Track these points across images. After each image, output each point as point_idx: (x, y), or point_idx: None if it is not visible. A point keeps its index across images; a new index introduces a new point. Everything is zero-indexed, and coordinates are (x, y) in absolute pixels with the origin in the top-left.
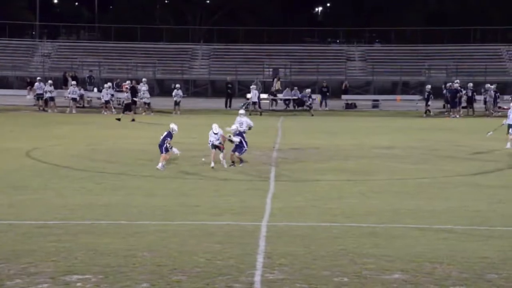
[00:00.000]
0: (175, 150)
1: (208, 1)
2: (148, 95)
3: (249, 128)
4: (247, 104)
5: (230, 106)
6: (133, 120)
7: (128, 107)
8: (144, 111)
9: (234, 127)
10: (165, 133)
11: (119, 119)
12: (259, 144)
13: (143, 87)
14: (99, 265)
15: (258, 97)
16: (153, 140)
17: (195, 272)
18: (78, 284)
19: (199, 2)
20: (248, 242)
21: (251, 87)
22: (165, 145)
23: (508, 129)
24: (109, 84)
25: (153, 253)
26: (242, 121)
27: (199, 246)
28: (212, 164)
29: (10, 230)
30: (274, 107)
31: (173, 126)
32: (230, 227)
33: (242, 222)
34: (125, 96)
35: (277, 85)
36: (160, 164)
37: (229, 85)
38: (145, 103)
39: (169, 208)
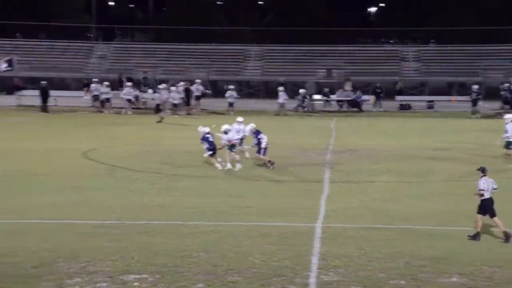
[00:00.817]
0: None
1: (261, 3)
2: (179, 96)
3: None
4: (299, 105)
5: (283, 107)
6: (159, 121)
7: (158, 108)
8: (175, 113)
9: (225, 136)
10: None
11: (160, 122)
12: (312, 145)
13: (177, 89)
14: (156, 264)
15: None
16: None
17: (250, 272)
18: (136, 283)
19: (252, 4)
20: (302, 244)
21: (278, 88)
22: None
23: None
24: (164, 85)
25: (208, 254)
26: (239, 129)
27: (254, 247)
28: (229, 166)
29: (69, 230)
30: (327, 108)
31: (199, 129)
32: (284, 228)
33: (296, 224)
34: (177, 97)
35: (347, 86)
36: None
37: (282, 86)
38: (173, 104)
39: (222, 209)
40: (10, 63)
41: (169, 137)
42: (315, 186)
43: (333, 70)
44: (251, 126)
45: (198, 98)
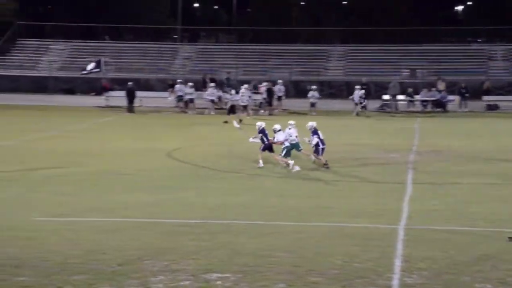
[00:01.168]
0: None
1: (344, 2)
2: (246, 96)
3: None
4: (383, 105)
5: (365, 107)
6: (241, 120)
7: (232, 109)
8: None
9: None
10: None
11: (226, 122)
12: (395, 146)
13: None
14: (237, 264)
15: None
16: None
17: (332, 273)
18: (218, 282)
19: (335, 4)
20: (385, 245)
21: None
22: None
23: None
24: (246, 85)
25: (290, 254)
26: (290, 132)
27: (336, 248)
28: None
29: (154, 228)
30: (411, 108)
31: (258, 124)
32: (367, 229)
33: (379, 225)
34: (260, 97)
35: (441, 85)
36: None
37: (364, 86)
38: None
39: (304, 209)
40: (98, 64)
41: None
42: (398, 187)
43: (417, 70)
44: (310, 124)
45: (280, 98)
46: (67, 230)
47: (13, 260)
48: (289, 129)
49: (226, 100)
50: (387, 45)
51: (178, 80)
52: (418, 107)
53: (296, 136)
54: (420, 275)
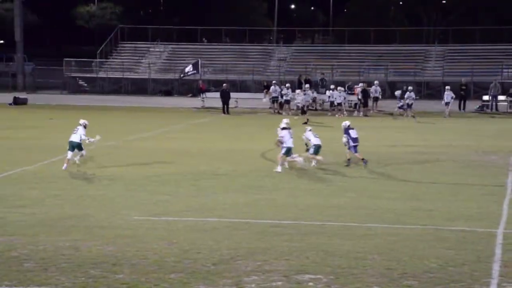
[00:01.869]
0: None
1: (444, 1)
2: (291, 94)
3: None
4: (482, 106)
5: (464, 109)
6: (305, 122)
7: (303, 110)
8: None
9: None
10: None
11: (306, 123)
12: (495, 147)
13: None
14: (330, 265)
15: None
16: (383, 143)
17: (426, 277)
18: (310, 283)
19: (435, 2)
20: (483, 249)
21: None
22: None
23: None
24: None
25: (383, 256)
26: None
27: (431, 251)
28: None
29: (247, 228)
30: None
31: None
32: (463, 233)
33: (476, 228)
34: (355, 98)
35: None
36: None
37: (463, 87)
38: (286, 101)
39: (400, 211)
40: (195, 66)
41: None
42: (497, 190)
43: None
44: (343, 124)
45: (376, 99)
46: (164, 229)
47: (112, 257)
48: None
49: (320, 101)
50: (487, 44)
51: (273, 81)
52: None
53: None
54: None
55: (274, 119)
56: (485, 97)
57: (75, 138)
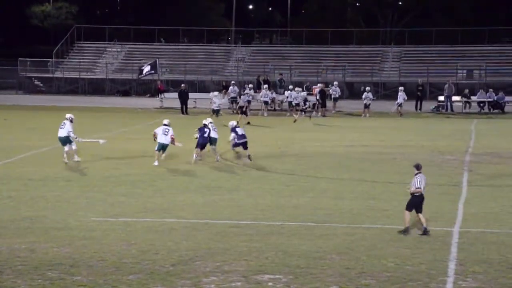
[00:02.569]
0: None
1: (400, 3)
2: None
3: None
4: (439, 107)
5: (420, 109)
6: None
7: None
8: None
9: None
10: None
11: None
12: (451, 147)
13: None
14: (289, 265)
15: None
16: (341, 143)
17: (384, 276)
18: (269, 283)
19: (391, 4)
20: (439, 248)
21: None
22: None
23: None
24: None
25: (341, 256)
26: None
27: (388, 250)
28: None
29: (206, 229)
30: (467, 110)
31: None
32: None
33: (432, 228)
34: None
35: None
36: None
37: (420, 87)
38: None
39: (357, 211)
40: (153, 66)
41: (303, 138)
42: (453, 189)
43: (474, 71)
44: (230, 123)
45: (335, 100)
46: (122, 230)
47: (69, 259)
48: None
49: (279, 101)
50: (443, 45)
51: (232, 82)
52: (474, 108)
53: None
54: (475, 279)
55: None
56: (441, 98)
57: (61, 133)
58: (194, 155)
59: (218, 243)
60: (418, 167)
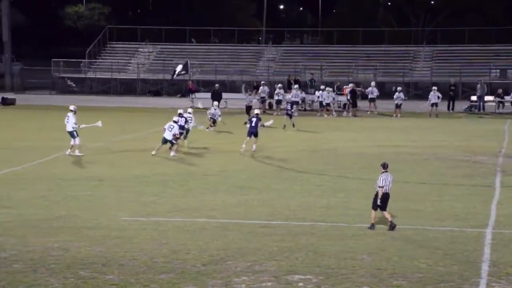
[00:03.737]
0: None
1: (432, 2)
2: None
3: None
4: (471, 107)
5: (453, 109)
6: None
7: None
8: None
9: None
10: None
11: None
12: (483, 148)
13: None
14: (320, 266)
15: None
16: (373, 143)
17: (416, 277)
18: (300, 284)
19: (423, 3)
20: (472, 249)
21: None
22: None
23: None
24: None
25: (373, 257)
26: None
27: (420, 251)
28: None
29: (236, 229)
30: (500, 110)
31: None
32: (452, 233)
33: (465, 229)
34: (344, 99)
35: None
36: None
37: (452, 87)
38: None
39: (389, 211)
40: (185, 66)
41: (334, 138)
42: (485, 190)
43: (508, 70)
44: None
45: (372, 100)
46: (154, 230)
47: (101, 258)
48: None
49: (309, 102)
50: (476, 45)
51: (262, 82)
52: (508, 108)
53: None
54: (508, 281)
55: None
56: (473, 98)
57: (69, 127)
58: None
59: (249, 243)
60: (384, 166)
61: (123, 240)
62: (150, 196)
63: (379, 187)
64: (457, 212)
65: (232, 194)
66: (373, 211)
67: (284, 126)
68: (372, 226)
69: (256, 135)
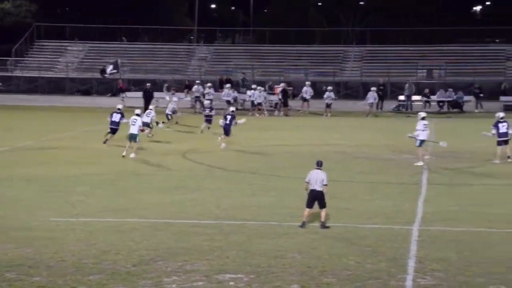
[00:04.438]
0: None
1: (361, 3)
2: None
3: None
4: (399, 106)
5: (381, 108)
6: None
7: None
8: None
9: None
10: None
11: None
12: (411, 147)
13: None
14: (251, 264)
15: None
16: (304, 142)
17: (345, 274)
18: (231, 283)
19: (353, 4)
20: (399, 246)
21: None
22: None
23: None
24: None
25: (303, 255)
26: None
27: (350, 249)
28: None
29: (167, 229)
30: (427, 109)
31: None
32: (381, 230)
33: (394, 226)
34: (276, 98)
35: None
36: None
37: (381, 87)
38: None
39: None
40: (115, 65)
41: (266, 137)
42: (413, 188)
43: (434, 71)
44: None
45: (306, 100)
46: (83, 230)
47: (29, 260)
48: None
49: (241, 101)
50: (404, 45)
51: (197, 81)
52: (434, 107)
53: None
54: (433, 276)
55: (196, 119)
56: (401, 97)
57: (133, 129)
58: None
59: (180, 242)
60: (318, 163)
61: (51, 241)
62: (79, 196)
63: (306, 182)
64: (386, 210)
65: (164, 193)
66: (307, 210)
67: (202, 131)
68: (303, 224)
69: (228, 132)
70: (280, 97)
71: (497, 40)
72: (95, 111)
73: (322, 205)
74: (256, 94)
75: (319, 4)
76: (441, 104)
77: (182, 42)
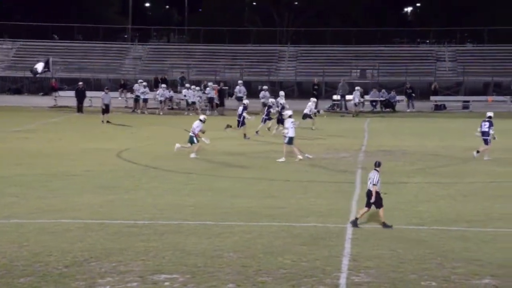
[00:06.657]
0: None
1: (296, 3)
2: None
3: None
4: (333, 105)
5: (316, 108)
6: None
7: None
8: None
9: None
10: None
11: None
12: (345, 145)
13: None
14: (186, 264)
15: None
16: (241, 142)
17: (280, 273)
18: (166, 283)
19: (287, 4)
20: (333, 244)
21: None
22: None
23: None
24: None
25: (239, 254)
26: None
27: (285, 248)
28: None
29: (101, 229)
30: (360, 108)
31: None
32: (315, 229)
33: (328, 224)
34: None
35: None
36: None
37: (316, 87)
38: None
39: (255, 209)
40: (46, 64)
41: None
42: (347, 187)
43: (367, 71)
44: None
45: (240, 99)
46: (14, 232)
47: None
48: None
49: (177, 100)
50: (338, 46)
51: (139, 81)
52: (367, 107)
53: None
54: (367, 274)
55: (130, 118)
56: (335, 97)
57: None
58: None
59: (114, 243)
60: (376, 164)
61: None
62: (10, 197)
63: (373, 185)
64: (321, 208)
65: (98, 194)
66: (364, 208)
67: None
68: (354, 222)
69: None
70: (216, 96)
71: (427, 41)
72: (27, 110)
73: (371, 204)
74: (190, 93)
75: (254, 3)
76: (374, 103)
77: (116, 40)
